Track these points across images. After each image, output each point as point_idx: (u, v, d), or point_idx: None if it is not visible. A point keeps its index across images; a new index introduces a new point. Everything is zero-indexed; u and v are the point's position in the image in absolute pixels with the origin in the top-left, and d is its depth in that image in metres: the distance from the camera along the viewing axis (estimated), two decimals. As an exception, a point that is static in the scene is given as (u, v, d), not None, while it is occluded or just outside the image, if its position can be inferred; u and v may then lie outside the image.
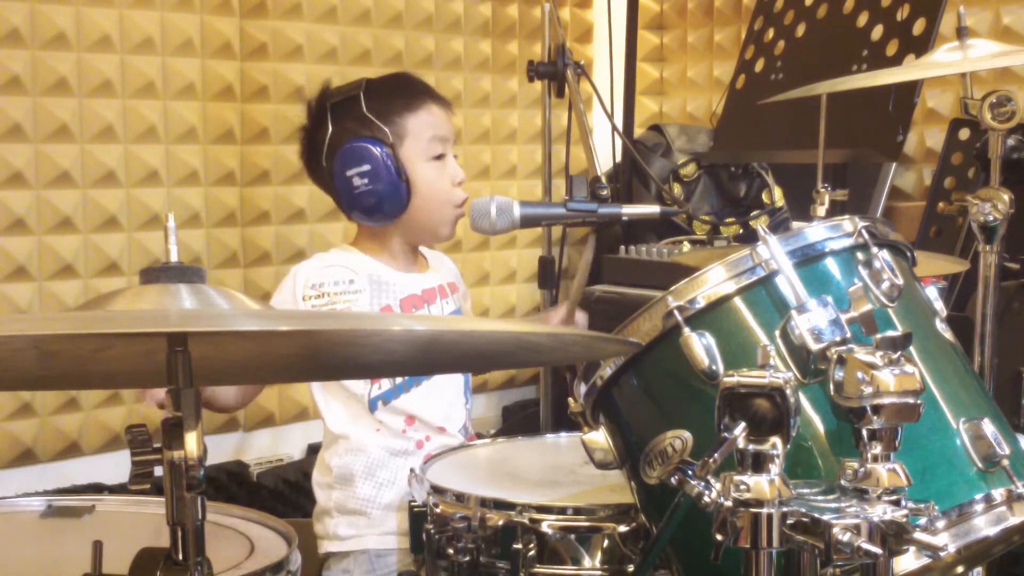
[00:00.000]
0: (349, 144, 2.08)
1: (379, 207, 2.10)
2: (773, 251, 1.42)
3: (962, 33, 1.98)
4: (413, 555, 1.77)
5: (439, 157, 2.14)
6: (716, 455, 1.20)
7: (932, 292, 1.57)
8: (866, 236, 1.48)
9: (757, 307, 1.43)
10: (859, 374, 1.26)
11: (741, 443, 1.17)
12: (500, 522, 1.62)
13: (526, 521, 1.61)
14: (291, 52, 3.32)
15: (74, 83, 2.94)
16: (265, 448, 3.35)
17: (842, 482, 1.25)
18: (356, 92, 2.11)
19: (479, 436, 2.27)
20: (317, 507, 2.17)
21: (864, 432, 1.25)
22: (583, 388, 1.55)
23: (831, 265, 1.47)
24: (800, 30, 3.28)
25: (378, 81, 2.18)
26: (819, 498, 1.22)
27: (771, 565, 1.17)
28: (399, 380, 2.12)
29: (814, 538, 1.15)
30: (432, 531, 1.66)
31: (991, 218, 1.94)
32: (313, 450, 3.37)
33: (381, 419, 2.11)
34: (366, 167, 2.07)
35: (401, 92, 2.16)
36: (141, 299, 1.15)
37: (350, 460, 2.12)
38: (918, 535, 1.18)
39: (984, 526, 1.38)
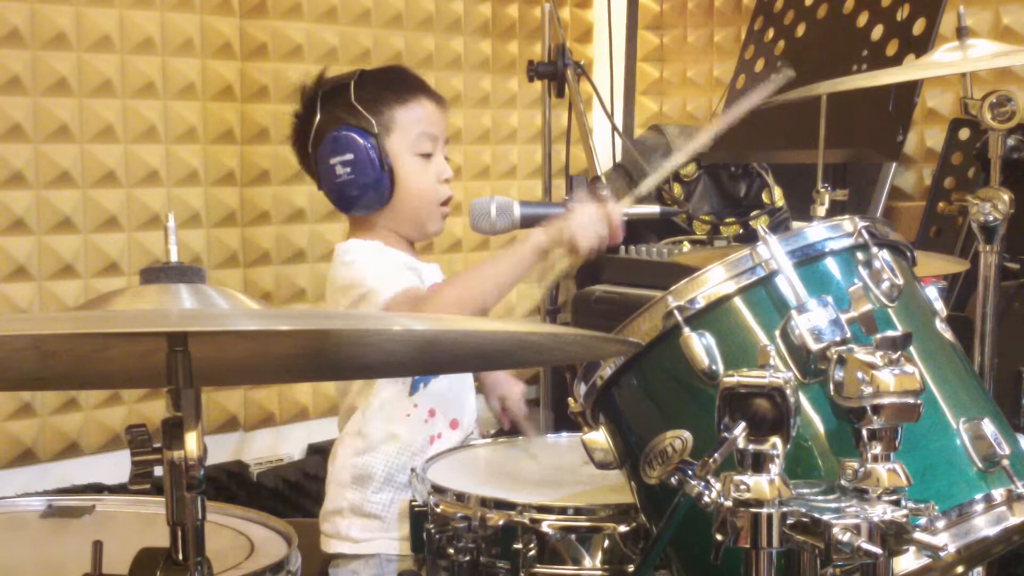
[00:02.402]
0: (334, 132, 2.08)
1: (360, 197, 2.09)
2: (773, 251, 1.42)
3: (962, 33, 1.98)
4: (413, 555, 1.77)
5: (427, 155, 2.13)
6: (716, 455, 1.20)
7: (932, 292, 1.57)
8: (866, 236, 1.48)
9: (757, 307, 1.43)
10: (859, 374, 1.26)
11: (741, 443, 1.17)
12: (500, 522, 1.62)
13: (526, 521, 1.61)
14: (291, 52, 3.32)
15: (74, 83, 2.94)
16: (265, 448, 3.35)
17: (842, 482, 1.25)
18: (347, 81, 2.11)
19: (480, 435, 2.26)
20: (328, 505, 2.13)
21: (864, 432, 1.25)
22: (583, 388, 1.55)
23: (831, 265, 1.47)
24: (800, 30, 3.28)
25: (372, 72, 2.17)
26: (819, 498, 1.22)
27: (771, 565, 1.17)
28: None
29: (814, 538, 1.16)
30: (433, 531, 1.66)
31: (991, 218, 1.94)
32: (314, 450, 3.37)
33: (417, 402, 2.09)
34: (349, 156, 2.06)
35: (393, 84, 2.15)
36: (141, 299, 1.16)
37: (370, 460, 2.09)
38: (918, 535, 1.18)
39: (984, 526, 1.38)
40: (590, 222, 1.96)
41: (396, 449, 2.10)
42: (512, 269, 1.99)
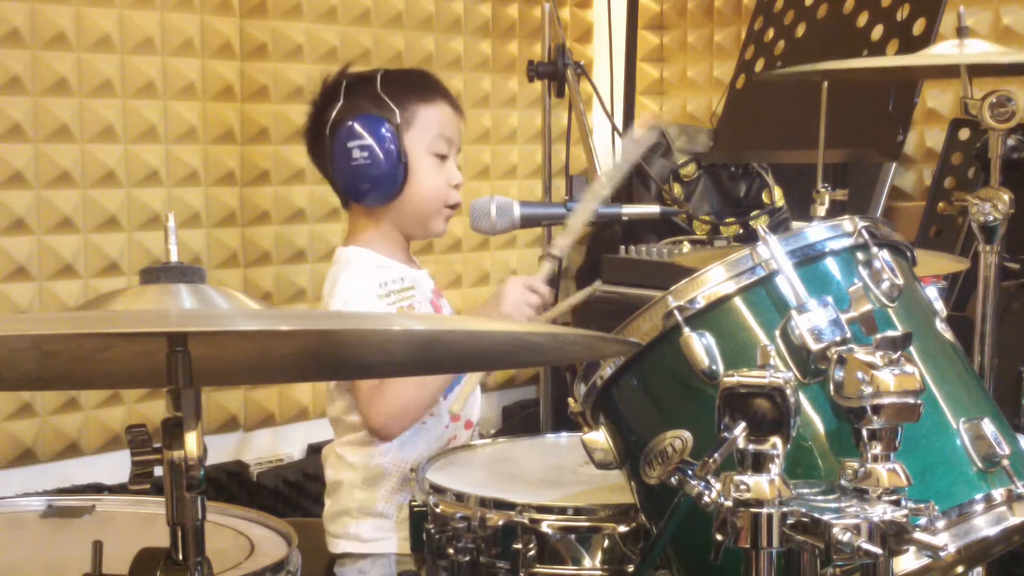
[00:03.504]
0: (356, 117, 2.08)
1: (373, 186, 2.08)
2: (773, 251, 1.42)
3: (962, 33, 1.98)
4: (413, 555, 1.77)
5: (442, 157, 2.13)
6: (716, 455, 1.20)
7: (932, 292, 1.56)
8: (866, 236, 1.48)
9: (757, 307, 1.43)
10: (859, 374, 1.25)
11: (741, 443, 1.17)
12: (500, 522, 1.62)
13: (526, 521, 1.61)
14: (291, 52, 3.32)
15: (74, 83, 2.94)
16: (265, 448, 3.35)
17: (842, 482, 1.25)
18: (373, 75, 2.12)
19: (481, 435, 2.26)
20: (334, 505, 2.12)
21: (864, 432, 1.25)
22: (583, 388, 1.55)
23: (831, 265, 1.47)
24: (800, 30, 3.28)
25: (398, 71, 2.19)
26: (819, 498, 1.22)
27: (771, 565, 1.17)
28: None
29: (814, 538, 1.15)
30: (432, 531, 1.66)
31: (991, 218, 1.94)
32: (313, 450, 3.37)
33: (435, 411, 2.09)
34: (368, 141, 2.05)
35: (418, 84, 2.17)
36: (141, 299, 1.15)
37: (384, 462, 2.07)
38: (918, 535, 1.18)
39: (984, 526, 1.38)
40: (518, 300, 2.00)
41: (414, 453, 2.08)
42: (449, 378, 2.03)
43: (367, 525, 2.09)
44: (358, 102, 2.10)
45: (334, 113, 2.09)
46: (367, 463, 2.08)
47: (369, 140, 2.06)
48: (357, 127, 2.07)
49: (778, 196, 3.60)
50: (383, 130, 2.06)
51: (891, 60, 2.40)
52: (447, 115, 2.16)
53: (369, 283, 2.08)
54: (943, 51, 1.96)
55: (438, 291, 2.25)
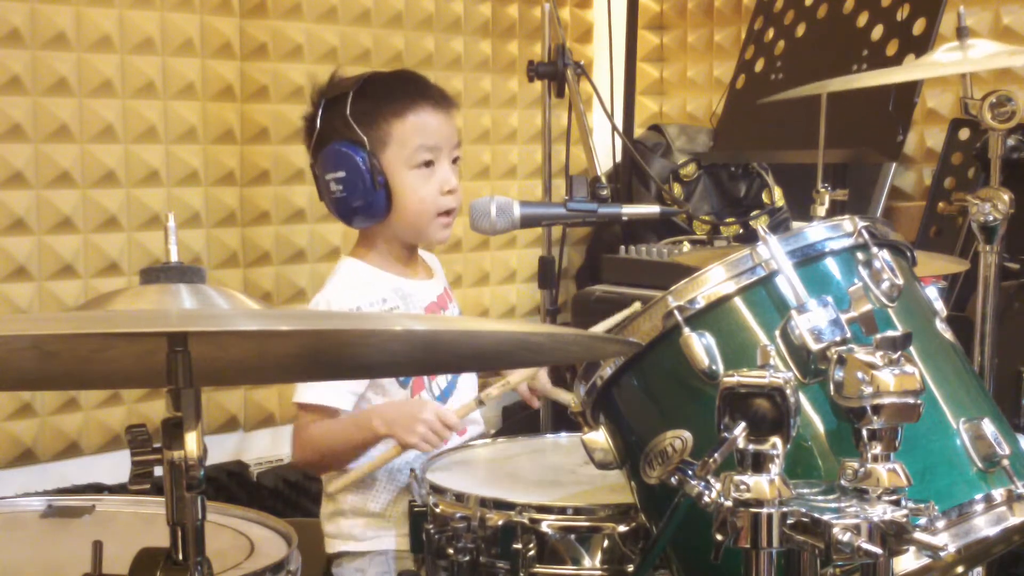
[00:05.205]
0: (329, 147, 2.06)
1: (356, 213, 2.09)
2: (773, 251, 1.42)
3: (962, 33, 1.98)
4: (413, 555, 1.77)
5: (427, 164, 2.10)
6: (716, 455, 1.20)
7: (932, 292, 1.57)
8: (866, 236, 1.48)
9: (757, 307, 1.43)
10: (859, 374, 1.26)
11: (741, 443, 1.17)
12: (500, 522, 1.62)
13: (526, 521, 1.61)
14: (291, 52, 3.32)
15: (74, 83, 2.94)
16: (265, 448, 3.35)
17: (842, 482, 1.25)
18: (348, 90, 2.08)
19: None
20: (329, 507, 2.13)
21: (864, 432, 1.25)
22: (583, 388, 1.55)
23: (831, 265, 1.47)
24: (800, 30, 3.28)
25: (375, 80, 2.13)
26: (819, 498, 1.22)
27: (771, 565, 1.17)
28: (436, 392, 2.12)
29: (814, 538, 1.16)
30: (432, 531, 1.66)
31: (991, 218, 1.94)
32: (313, 450, 3.37)
33: None
34: (341, 173, 2.05)
35: (393, 95, 2.11)
36: (141, 299, 1.16)
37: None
38: (918, 535, 1.18)
39: (984, 526, 1.38)
40: (409, 421, 1.97)
41: (404, 455, 2.07)
42: (356, 448, 2.05)
43: (362, 524, 2.09)
44: (333, 125, 2.08)
45: (315, 138, 2.09)
46: (354, 465, 2.08)
47: (342, 172, 2.05)
48: (331, 159, 2.06)
49: (778, 196, 3.60)
50: (356, 160, 2.04)
51: (894, 74, 2.40)
52: (428, 120, 2.11)
53: (347, 302, 2.08)
54: (946, 56, 1.96)
55: (447, 294, 2.24)
